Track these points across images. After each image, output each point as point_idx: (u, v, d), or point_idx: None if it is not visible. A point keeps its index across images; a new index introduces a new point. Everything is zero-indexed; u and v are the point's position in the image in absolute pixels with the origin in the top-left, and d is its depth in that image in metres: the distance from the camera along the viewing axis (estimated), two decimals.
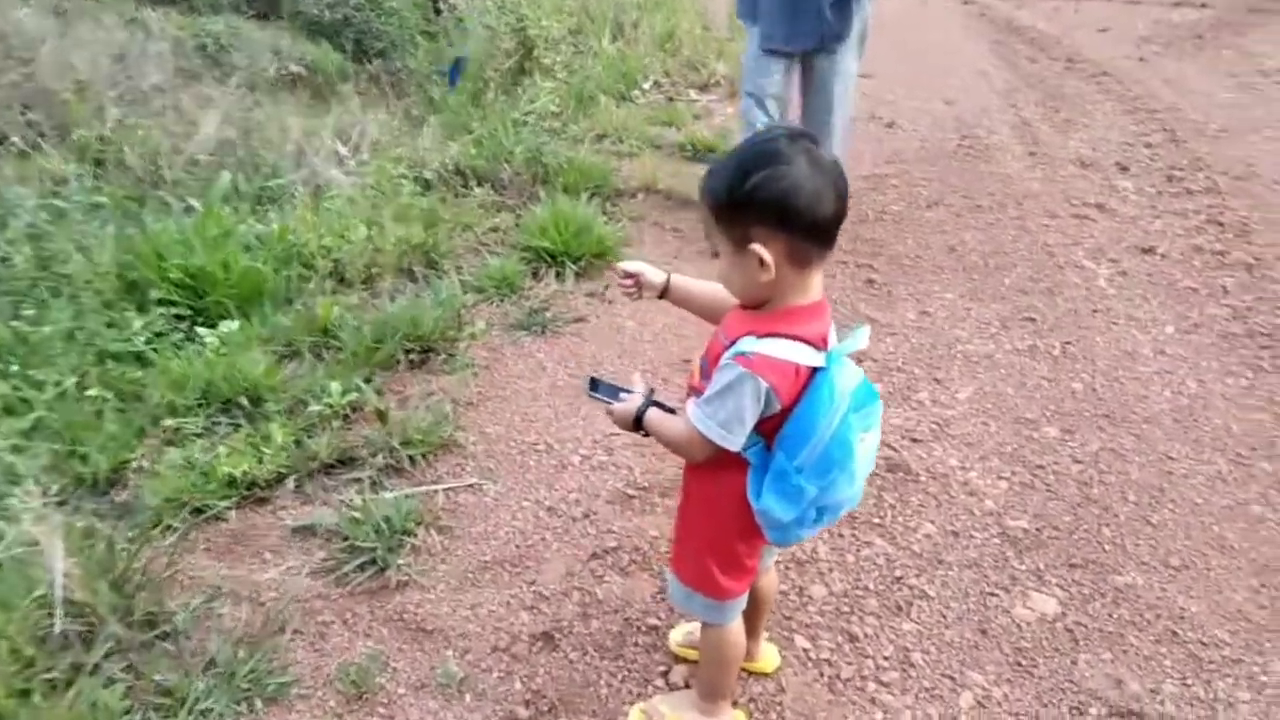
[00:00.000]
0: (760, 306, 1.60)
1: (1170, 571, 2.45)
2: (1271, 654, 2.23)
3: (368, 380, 3.04)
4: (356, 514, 2.51)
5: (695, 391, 1.70)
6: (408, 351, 3.20)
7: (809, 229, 1.51)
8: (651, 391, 1.78)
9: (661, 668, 2.17)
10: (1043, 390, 3.18)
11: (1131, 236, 4.27)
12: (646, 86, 6.12)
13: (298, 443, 2.76)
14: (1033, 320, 3.58)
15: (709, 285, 1.87)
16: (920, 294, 3.75)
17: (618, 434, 2.92)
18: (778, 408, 1.58)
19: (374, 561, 2.40)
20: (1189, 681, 2.16)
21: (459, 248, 3.91)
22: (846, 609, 2.34)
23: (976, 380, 3.22)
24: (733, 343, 1.57)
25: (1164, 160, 5.13)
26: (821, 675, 2.16)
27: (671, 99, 6.03)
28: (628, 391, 1.79)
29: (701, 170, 4.45)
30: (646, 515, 2.62)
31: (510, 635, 2.24)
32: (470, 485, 2.71)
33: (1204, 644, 2.25)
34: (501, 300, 3.61)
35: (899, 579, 2.42)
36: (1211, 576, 2.44)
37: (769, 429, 1.62)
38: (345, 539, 2.46)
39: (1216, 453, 2.90)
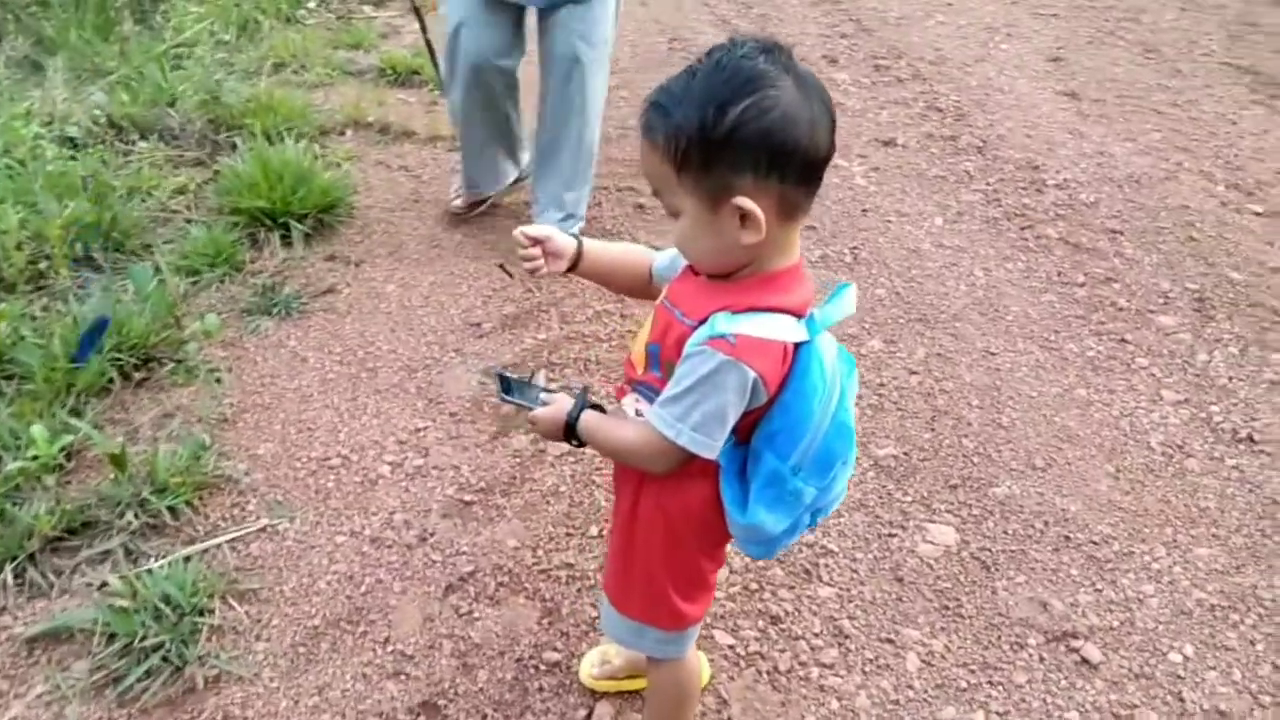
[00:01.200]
0: (731, 274, 1.23)
1: (1037, 474, 2.41)
2: (1153, 540, 2.25)
3: (76, 414, 2.30)
4: (121, 600, 1.87)
5: (638, 386, 1.33)
6: (120, 366, 2.47)
7: (804, 172, 1.16)
8: (585, 391, 1.40)
9: (581, 712, 1.79)
10: None
11: (868, 130, 4.26)
12: (312, 5, 5.30)
13: (1, 516, 2.02)
14: (814, 228, 3.45)
15: (625, 248, 1.51)
16: None
17: (426, 426, 2.43)
18: (764, 399, 1.23)
19: (166, 660, 1.81)
20: (1098, 586, 2.12)
21: (144, 220, 3.11)
22: (755, 586, 2.07)
23: None
24: (701, 322, 1.20)
25: (864, 50, 5.21)
26: (759, 673, 1.89)
27: (343, 17, 5.28)
28: (547, 391, 1.41)
29: (412, 97, 3.95)
30: (496, 523, 2.18)
31: (381, 717, 1.76)
32: (261, 529, 2.13)
33: (1095, 543, 2.23)
34: (223, 281, 2.91)
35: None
36: (1073, 470, 2.43)
37: (745, 424, 1.27)
38: (113, 638, 1.83)
39: (1027, 340, 2.92)
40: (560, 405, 1.37)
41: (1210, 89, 4.91)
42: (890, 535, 2.22)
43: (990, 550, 2.19)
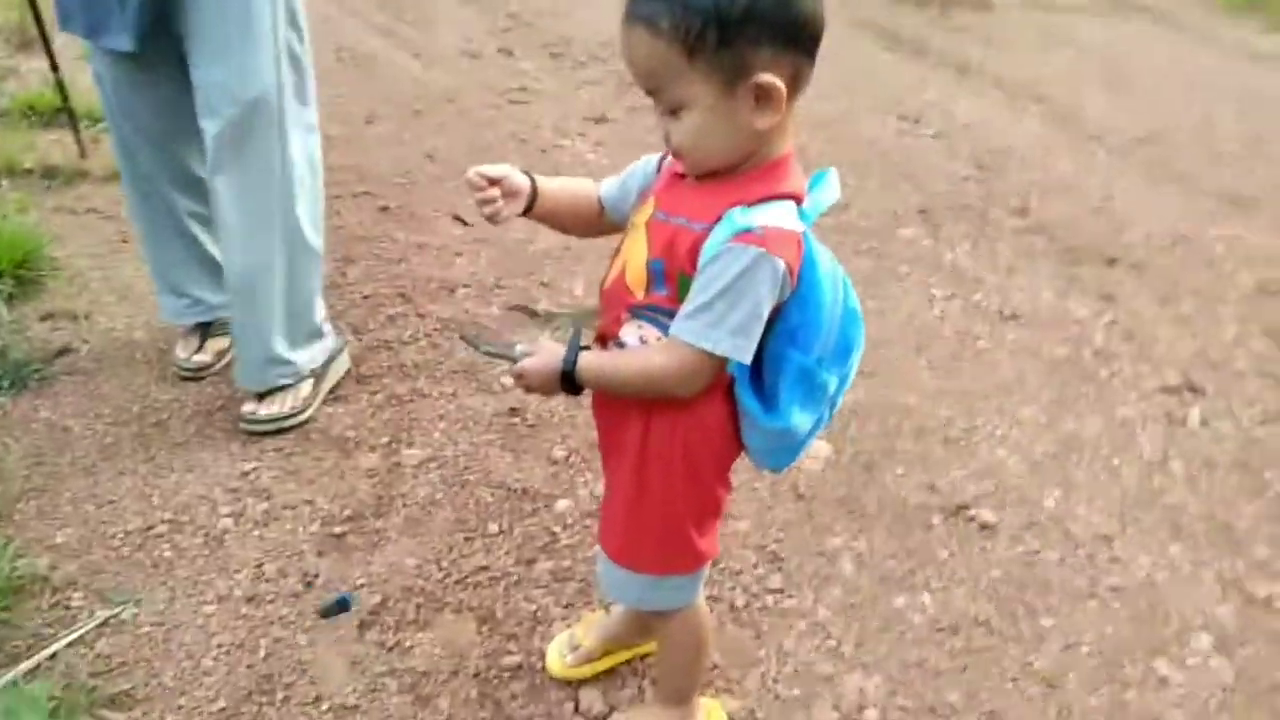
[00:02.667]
0: (735, 167, 1.17)
1: (868, 378, 2.54)
2: (986, 413, 2.47)
3: None
4: None
5: (641, 311, 1.23)
6: None
7: (814, 41, 1.13)
8: (578, 331, 1.27)
9: (568, 706, 1.65)
10: None
11: (575, 109, 4.29)
12: None
13: None
14: None
15: (568, 181, 1.41)
16: (446, 207, 3.32)
17: (255, 467, 2.12)
18: (788, 292, 1.20)
19: None
20: (964, 460, 2.29)
21: None
22: None
23: (581, 272, 2.97)
24: (714, 222, 1.14)
25: (533, 41, 5.24)
26: (720, 616, 1.85)
27: None
28: (518, 344, 1.29)
29: (66, 136, 3.43)
30: (381, 548, 1.95)
31: None
32: (102, 624, 1.75)
33: (944, 426, 2.40)
34: None
35: None
36: (896, 370, 2.61)
37: None
38: None
39: None
40: (550, 350, 1.24)
41: (847, 42, 5.46)
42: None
43: (864, 451, 2.29)
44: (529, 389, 1.27)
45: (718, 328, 1.14)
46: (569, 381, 1.22)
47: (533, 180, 1.32)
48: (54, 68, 3.26)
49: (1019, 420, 2.43)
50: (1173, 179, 3.94)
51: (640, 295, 1.21)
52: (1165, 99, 4.93)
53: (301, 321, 2.25)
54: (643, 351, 1.23)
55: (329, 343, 2.34)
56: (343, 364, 2.40)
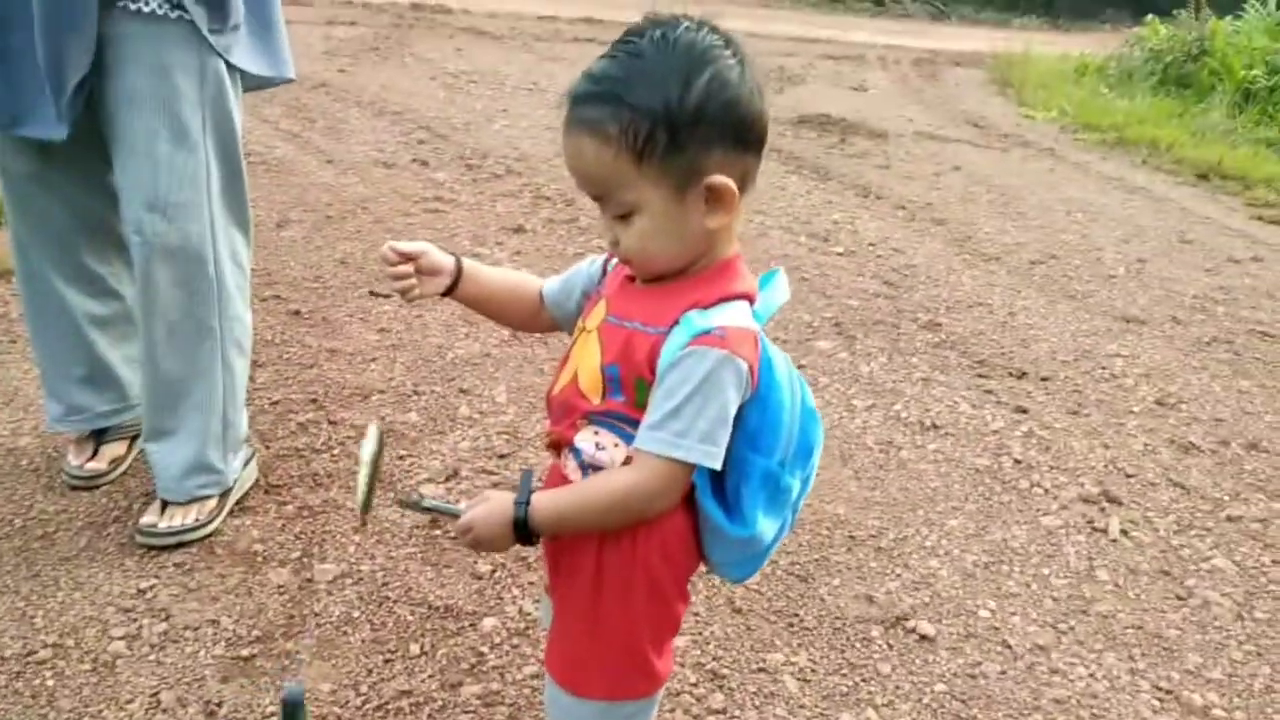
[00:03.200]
0: (685, 269, 1.15)
1: None
2: (914, 523, 2.46)
3: None
4: None
5: (598, 418, 1.17)
6: None
7: (762, 140, 1.14)
8: (529, 474, 1.22)
9: None
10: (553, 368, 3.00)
11: (494, 219, 4.29)
12: None
13: None
14: None
15: (507, 272, 1.41)
16: (358, 311, 3.23)
17: (152, 585, 1.95)
18: (749, 395, 1.17)
19: None
20: (897, 571, 2.26)
21: None
22: None
23: (503, 378, 2.90)
24: (672, 325, 1.10)
25: (448, 153, 5.25)
26: None
27: None
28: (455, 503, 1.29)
29: None
30: (292, 672, 1.79)
31: None
32: None
33: (874, 536, 2.37)
34: None
35: None
36: (823, 479, 2.59)
37: None
38: None
39: None
40: (498, 498, 1.16)
41: None
42: (708, 572, 2.17)
43: (798, 563, 2.24)
44: (477, 544, 1.18)
45: (687, 435, 1.09)
46: (522, 529, 1.13)
47: (458, 261, 1.29)
48: None
49: (948, 530, 2.42)
50: (1068, 297, 4.11)
51: (596, 401, 1.15)
52: (1053, 224, 5.21)
53: (233, 429, 2.13)
54: (603, 477, 1.16)
55: (244, 451, 2.21)
56: (250, 474, 2.26)
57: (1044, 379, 3.31)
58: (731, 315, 1.11)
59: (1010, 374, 3.32)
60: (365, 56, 7.60)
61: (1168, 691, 1.98)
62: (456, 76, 7.26)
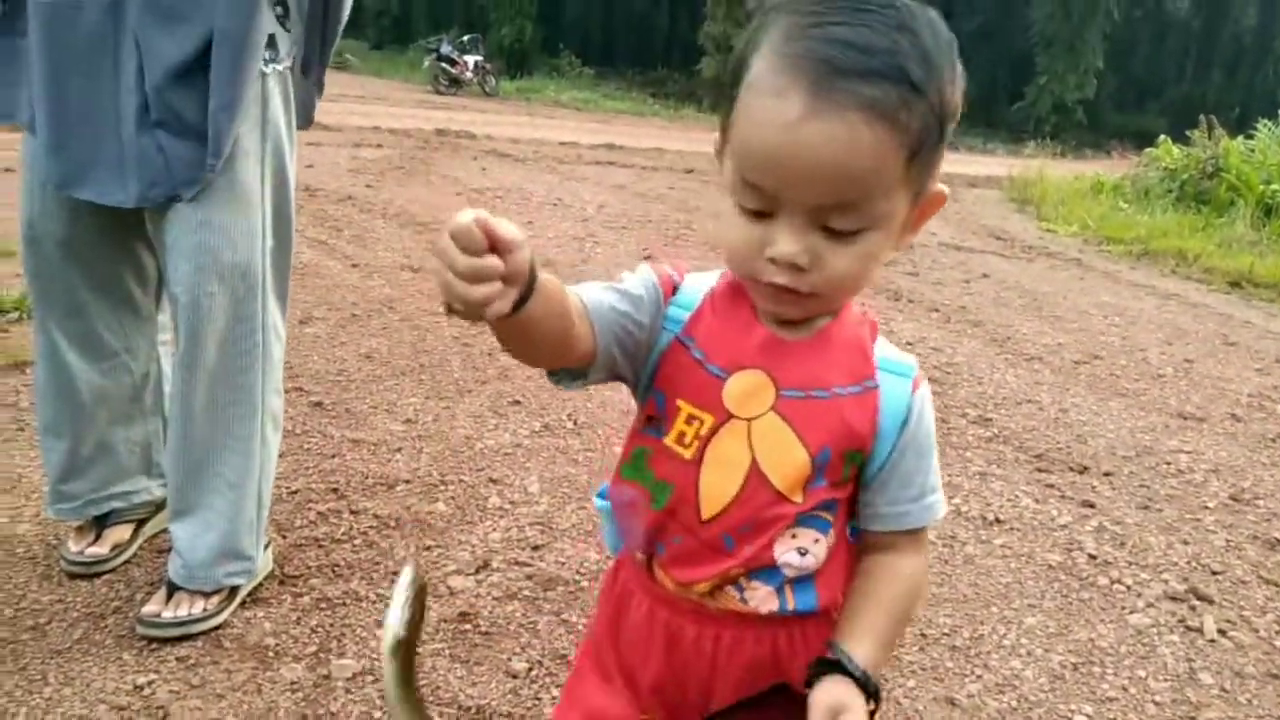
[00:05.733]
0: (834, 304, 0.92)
1: None
2: (989, 620, 2.23)
3: None
4: None
5: (805, 519, 0.91)
6: None
7: None
8: (840, 672, 0.89)
9: None
10: (589, 459, 2.82)
11: None
12: None
13: None
14: (519, 402, 3.21)
15: (578, 289, 0.91)
16: (383, 403, 3.09)
17: (151, 680, 1.75)
18: None
19: None
20: (977, 672, 2.03)
21: None
22: None
23: (535, 469, 2.73)
24: (868, 377, 0.92)
25: None
26: None
27: None
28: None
29: None
30: None
31: None
32: None
33: (948, 635, 2.16)
34: None
35: None
36: None
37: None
38: None
39: None
40: (839, 693, 0.86)
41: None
42: None
43: None
44: None
45: (940, 488, 0.98)
46: (875, 695, 0.88)
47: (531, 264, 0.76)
48: None
49: (1026, 629, 2.20)
50: (1119, 395, 3.94)
51: (800, 500, 0.91)
52: (1091, 326, 5.07)
53: (265, 512, 1.96)
54: (886, 580, 0.95)
55: (265, 539, 2.04)
56: (265, 564, 2.07)
57: (1106, 474, 3.11)
58: (890, 345, 0.97)
59: (1070, 469, 3.12)
60: (391, 174, 7.68)
61: None
62: (481, 192, 7.31)
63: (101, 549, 2.04)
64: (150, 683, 1.74)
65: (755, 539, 0.91)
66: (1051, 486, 2.97)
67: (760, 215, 0.82)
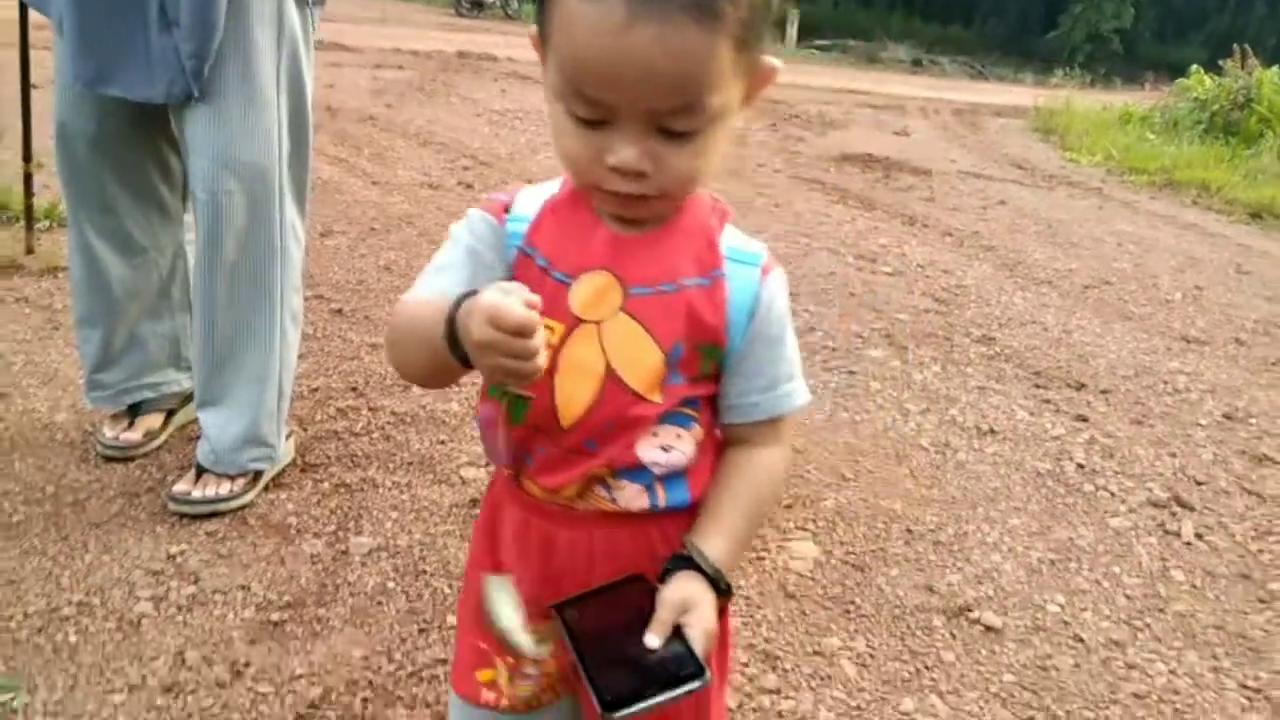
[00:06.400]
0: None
1: (851, 484, 2.44)
2: (974, 520, 2.35)
3: None
4: None
5: (667, 418, 0.92)
6: None
7: None
8: (691, 568, 0.90)
9: None
10: None
11: None
12: None
13: None
14: None
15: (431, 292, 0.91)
16: None
17: (182, 550, 1.88)
18: None
19: None
20: (958, 565, 2.15)
21: None
22: None
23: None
24: (715, 266, 0.90)
25: (492, 178, 5.27)
26: None
27: None
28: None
29: (5, 234, 3.25)
30: (324, 637, 1.71)
31: None
32: None
33: (932, 531, 2.27)
34: None
35: None
36: (877, 477, 2.49)
37: None
38: None
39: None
40: (695, 600, 0.87)
41: (794, 201, 5.60)
42: (759, 559, 2.07)
43: (854, 553, 2.13)
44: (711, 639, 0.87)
45: (800, 377, 0.97)
46: (726, 594, 0.90)
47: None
48: (27, 158, 3.12)
49: (1010, 528, 2.30)
50: (1124, 318, 3.99)
51: (659, 397, 0.90)
52: (1104, 253, 5.09)
53: (286, 402, 2.08)
54: (747, 472, 0.95)
55: (286, 428, 2.16)
56: (287, 452, 2.20)
57: (1104, 391, 3.18)
58: (738, 233, 0.95)
59: (1068, 385, 3.20)
60: (411, 95, 7.69)
61: (1256, 690, 1.84)
62: (502, 114, 7.32)
63: (134, 435, 2.17)
64: (181, 552, 1.88)
65: (617, 440, 0.90)
66: (1048, 401, 3.05)
67: (595, 124, 0.80)
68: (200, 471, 2.03)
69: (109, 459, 2.15)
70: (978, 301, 3.99)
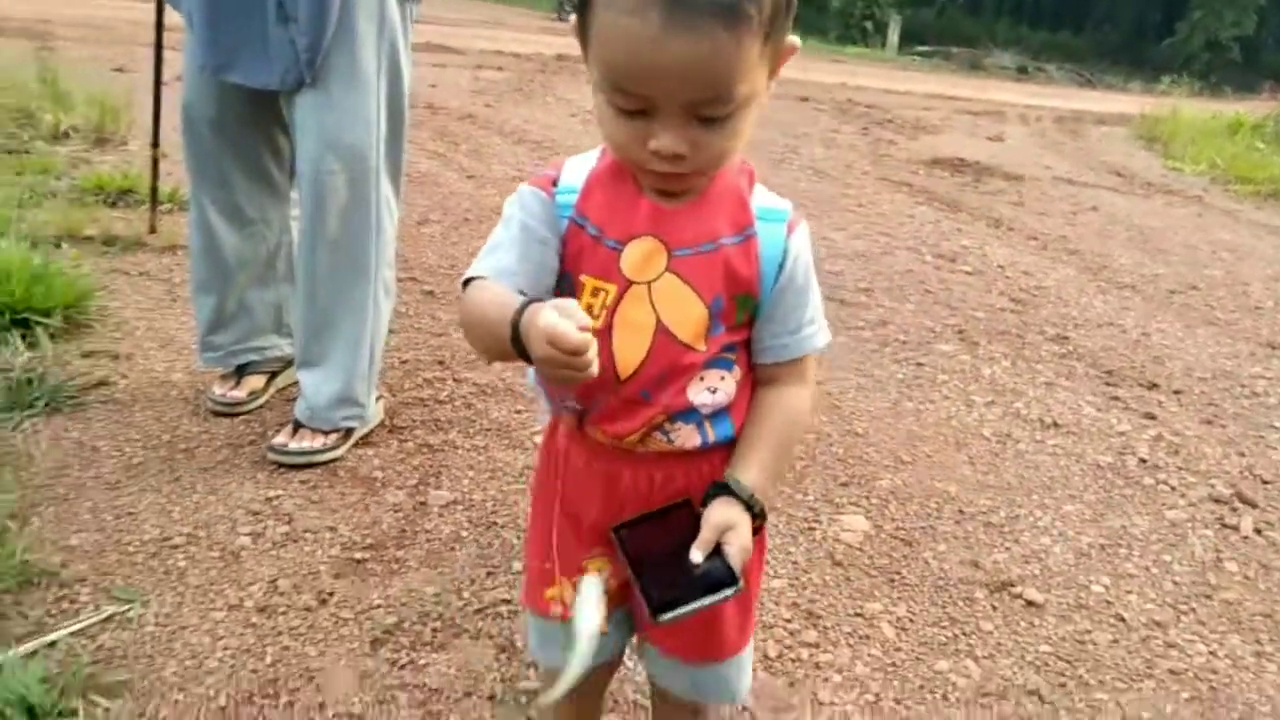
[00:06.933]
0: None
1: (907, 467, 2.51)
2: (1028, 505, 2.40)
3: None
4: None
5: (712, 364, 1.03)
6: None
7: None
8: (729, 494, 1.02)
9: None
10: None
11: None
12: None
13: None
14: None
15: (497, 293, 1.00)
16: None
17: (278, 495, 2.08)
18: None
19: None
20: (1007, 545, 2.21)
21: None
22: None
23: None
24: (748, 225, 1.01)
25: None
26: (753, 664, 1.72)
27: (14, 151, 4.66)
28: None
29: (130, 214, 3.55)
30: (402, 575, 1.87)
31: None
32: (107, 619, 1.67)
33: (984, 513, 2.33)
34: None
35: None
36: (935, 461, 2.55)
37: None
38: None
39: (844, 371, 3.09)
40: (734, 521, 0.99)
41: (879, 195, 5.64)
42: (810, 529, 2.17)
43: (904, 529, 2.21)
44: (748, 553, 1.00)
45: (822, 321, 1.08)
46: (761, 517, 1.03)
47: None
48: (155, 143, 3.41)
49: (1063, 515, 2.35)
50: (1209, 324, 3.95)
51: (704, 346, 1.01)
52: (1196, 260, 5.01)
53: (376, 367, 2.27)
54: (777, 410, 1.07)
55: (376, 392, 2.35)
56: (377, 414, 2.39)
57: (1177, 391, 3.18)
58: (767, 192, 1.05)
59: (1140, 385, 3.20)
60: (510, 96, 7.95)
61: None
62: (593, 113, 7.50)
63: (240, 393, 2.38)
64: (278, 496, 2.07)
65: (670, 387, 1.01)
66: (1116, 399, 3.07)
67: (636, 114, 0.89)
68: (297, 426, 2.22)
69: (217, 414, 2.36)
70: (1055, 302, 4.00)
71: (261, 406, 2.43)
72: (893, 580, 2.02)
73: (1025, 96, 13.90)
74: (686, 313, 0.99)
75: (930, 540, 2.18)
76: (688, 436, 1.04)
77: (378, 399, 2.39)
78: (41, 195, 3.89)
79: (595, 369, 0.84)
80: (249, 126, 2.18)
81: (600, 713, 1.44)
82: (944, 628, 1.89)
